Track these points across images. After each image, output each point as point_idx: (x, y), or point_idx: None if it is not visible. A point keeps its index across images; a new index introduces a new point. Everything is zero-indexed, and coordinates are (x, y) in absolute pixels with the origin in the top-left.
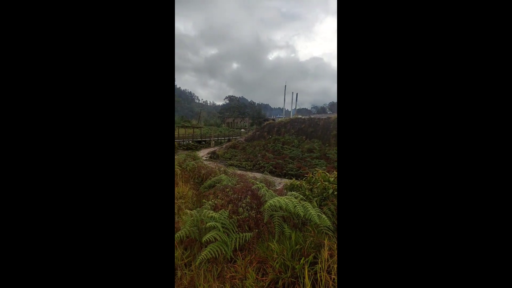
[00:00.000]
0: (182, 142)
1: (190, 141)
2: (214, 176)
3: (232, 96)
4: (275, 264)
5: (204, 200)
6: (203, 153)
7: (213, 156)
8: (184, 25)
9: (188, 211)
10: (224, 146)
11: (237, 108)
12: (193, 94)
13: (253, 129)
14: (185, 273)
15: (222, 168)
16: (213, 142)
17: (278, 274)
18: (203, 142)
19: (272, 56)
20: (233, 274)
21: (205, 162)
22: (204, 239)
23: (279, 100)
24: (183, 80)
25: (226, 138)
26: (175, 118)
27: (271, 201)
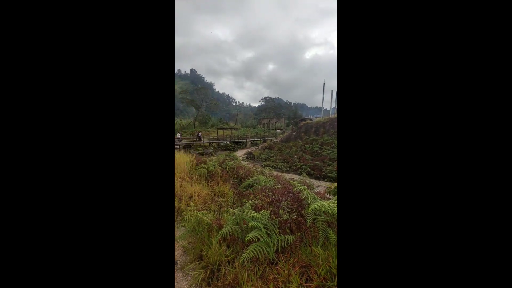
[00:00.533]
0: (220, 143)
1: (228, 142)
2: (252, 177)
3: (268, 97)
4: (320, 270)
5: (244, 200)
6: (240, 154)
7: (249, 157)
8: (223, 31)
9: (231, 209)
10: (260, 147)
11: (272, 109)
12: (231, 97)
13: (289, 129)
14: (229, 270)
15: (259, 169)
16: (249, 143)
17: (323, 281)
18: (240, 143)
19: (309, 54)
20: (275, 276)
21: (243, 163)
22: (247, 238)
23: (316, 99)
24: (222, 84)
25: (261, 139)
26: (214, 120)
27: (315, 205)
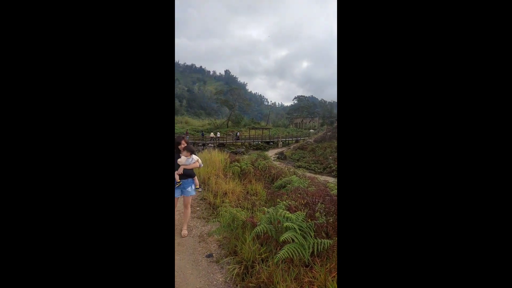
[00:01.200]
0: (252, 142)
1: (259, 142)
2: (284, 177)
3: (301, 96)
4: None
5: (278, 200)
6: (271, 153)
7: (280, 157)
8: (257, 30)
9: (265, 208)
10: (291, 147)
11: (306, 108)
12: (263, 96)
13: (323, 129)
14: (263, 268)
15: (291, 169)
16: (281, 143)
17: None
18: (271, 143)
19: None
20: (311, 279)
21: (274, 162)
22: (281, 238)
23: None
24: (254, 84)
25: (293, 139)
26: (246, 120)
27: None
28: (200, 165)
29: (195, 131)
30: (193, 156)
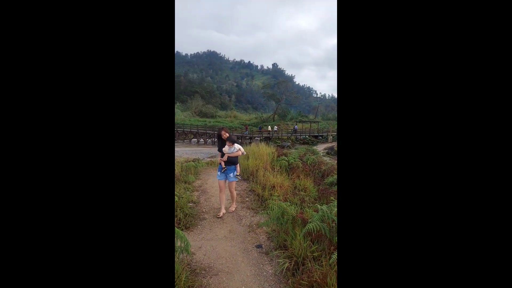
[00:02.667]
0: (299, 136)
1: (307, 136)
2: (336, 174)
3: None
4: None
5: (332, 198)
6: (319, 148)
7: (330, 152)
8: (306, 20)
9: (318, 205)
10: None
11: None
12: (311, 88)
13: None
14: (316, 267)
15: None
16: (331, 137)
17: None
18: (320, 137)
19: None
20: None
21: (324, 158)
22: (336, 239)
23: None
24: (302, 76)
25: None
26: (293, 114)
27: None
28: (242, 153)
29: (242, 124)
30: (235, 145)
